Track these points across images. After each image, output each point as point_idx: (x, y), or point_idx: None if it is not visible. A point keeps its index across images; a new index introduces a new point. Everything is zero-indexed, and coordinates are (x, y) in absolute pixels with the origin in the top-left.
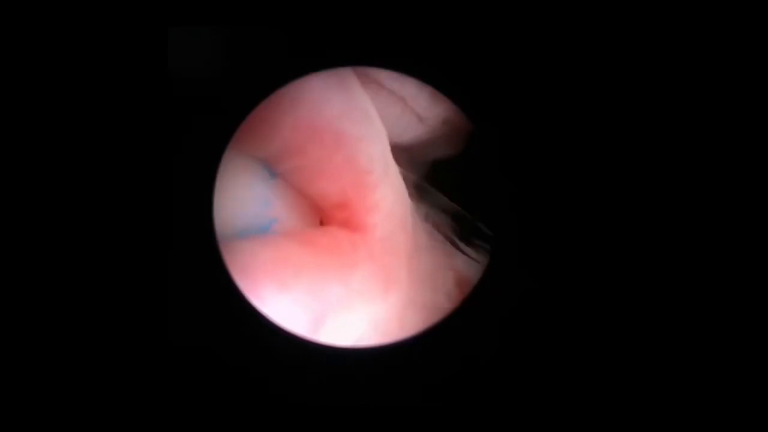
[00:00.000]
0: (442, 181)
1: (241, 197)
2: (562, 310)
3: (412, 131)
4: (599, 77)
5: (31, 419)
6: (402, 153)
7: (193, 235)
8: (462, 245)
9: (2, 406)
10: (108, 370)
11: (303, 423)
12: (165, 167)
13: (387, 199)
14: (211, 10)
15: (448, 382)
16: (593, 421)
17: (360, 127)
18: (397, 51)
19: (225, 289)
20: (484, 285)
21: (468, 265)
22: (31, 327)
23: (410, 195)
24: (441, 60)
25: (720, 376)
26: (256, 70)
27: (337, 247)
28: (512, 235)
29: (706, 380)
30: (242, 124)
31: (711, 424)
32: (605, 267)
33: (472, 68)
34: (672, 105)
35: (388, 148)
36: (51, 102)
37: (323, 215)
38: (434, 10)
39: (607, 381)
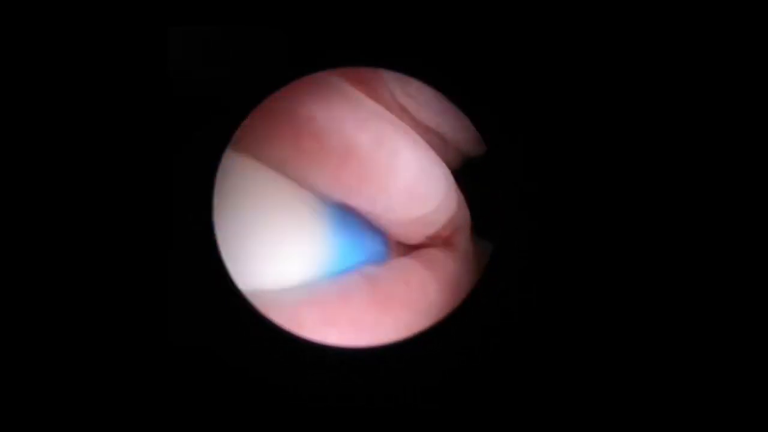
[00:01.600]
0: None
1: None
2: (562, 310)
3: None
4: (610, 81)
5: (31, 419)
6: None
7: (193, 236)
8: None
9: (2, 406)
10: (108, 370)
11: (304, 423)
12: (165, 167)
13: None
14: (211, 10)
15: (447, 382)
16: (594, 422)
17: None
18: (397, 51)
19: (225, 289)
20: (484, 285)
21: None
22: (31, 327)
23: None
24: (444, 60)
25: (720, 378)
26: (256, 70)
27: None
28: (513, 237)
29: (708, 381)
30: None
31: (711, 424)
32: (606, 269)
33: (477, 68)
34: (676, 108)
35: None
36: (50, 102)
37: None
38: (436, 10)
39: (608, 384)
